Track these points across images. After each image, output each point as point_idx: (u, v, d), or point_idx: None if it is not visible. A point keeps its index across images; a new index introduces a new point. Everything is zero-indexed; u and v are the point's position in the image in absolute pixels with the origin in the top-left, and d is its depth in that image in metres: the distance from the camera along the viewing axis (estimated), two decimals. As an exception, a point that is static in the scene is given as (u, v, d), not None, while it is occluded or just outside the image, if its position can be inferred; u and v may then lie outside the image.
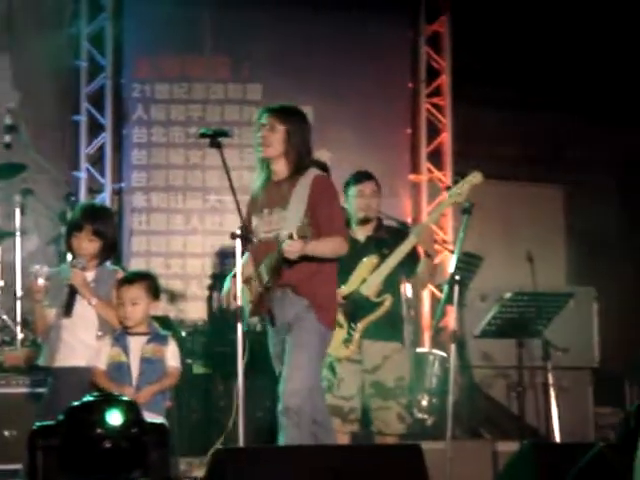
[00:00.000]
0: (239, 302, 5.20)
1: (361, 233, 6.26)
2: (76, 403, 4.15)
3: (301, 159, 5.41)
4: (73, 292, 5.30)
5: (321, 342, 5.33)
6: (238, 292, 5.22)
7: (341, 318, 5.95)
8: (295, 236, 5.08)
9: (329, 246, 5.32)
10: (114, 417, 4.06)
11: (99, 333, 5.34)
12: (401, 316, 6.29)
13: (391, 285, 6.15)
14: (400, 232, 6.35)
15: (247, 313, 5.42)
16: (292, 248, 5.13)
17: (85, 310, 5.34)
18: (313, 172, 5.42)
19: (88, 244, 5.38)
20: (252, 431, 6.12)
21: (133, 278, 5.44)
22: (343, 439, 6.00)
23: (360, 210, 6.23)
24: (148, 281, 5.44)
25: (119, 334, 5.36)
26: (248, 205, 5.59)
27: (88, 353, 5.31)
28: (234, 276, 5.39)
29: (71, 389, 5.21)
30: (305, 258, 5.22)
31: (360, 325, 6.02)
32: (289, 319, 5.31)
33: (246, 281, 5.36)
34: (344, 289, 5.99)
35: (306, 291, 5.30)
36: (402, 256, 6.08)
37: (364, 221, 6.26)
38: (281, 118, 5.40)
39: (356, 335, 6.03)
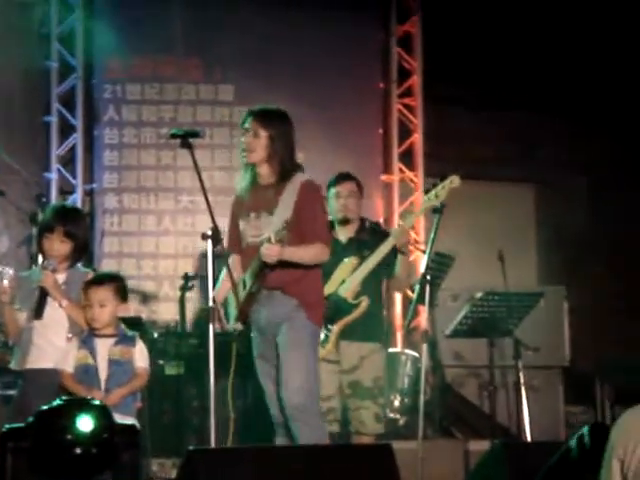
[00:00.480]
0: (211, 303, 5.21)
1: (343, 234, 6.28)
2: (46, 407, 4.13)
3: (285, 163, 5.43)
4: (44, 294, 5.29)
5: (313, 339, 5.39)
6: (210, 294, 5.22)
7: None
8: (273, 240, 5.11)
9: (309, 252, 5.35)
10: (84, 423, 4.04)
11: (69, 335, 5.33)
12: (380, 317, 6.33)
13: (370, 286, 6.17)
14: (382, 234, 6.38)
15: (233, 319, 5.43)
16: (269, 252, 5.16)
17: (55, 312, 5.33)
18: (300, 177, 5.44)
19: (60, 245, 5.37)
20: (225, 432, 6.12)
21: (101, 280, 5.41)
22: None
23: (338, 211, 6.27)
24: (116, 283, 5.41)
25: (86, 336, 5.33)
26: (233, 206, 5.61)
27: (58, 355, 5.30)
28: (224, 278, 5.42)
29: (41, 391, 5.21)
30: (288, 263, 5.25)
31: (336, 326, 6.05)
32: (278, 319, 5.33)
33: (233, 286, 5.36)
34: (324, 290, 6.01)
35: (295, 291, 5.34)
36: (381, 257, 6.11)
37: (344, 222, 6.30)
38: (264, 123, 5.42)
39: (332, 336, 6.05)
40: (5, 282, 5.28)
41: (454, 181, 6.19)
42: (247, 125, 5.44)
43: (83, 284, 5.37)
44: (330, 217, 6.19)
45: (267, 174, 5.45)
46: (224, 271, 5.43)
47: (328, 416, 6.06)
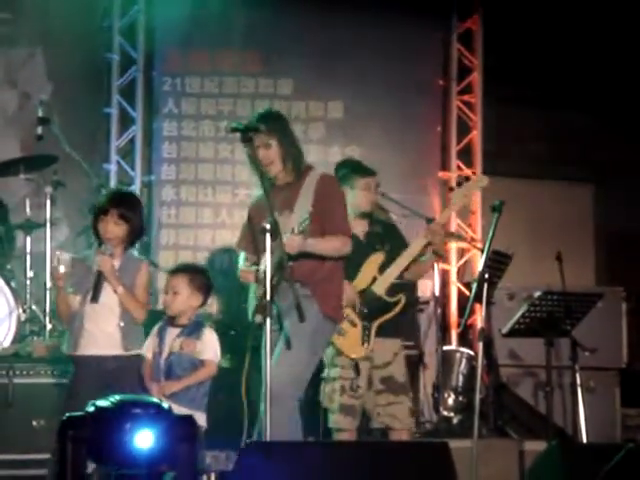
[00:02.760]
0: (268, 297, 5.21)
1: (359, 228, 6.21)
2: (105, 403, 4.13)
3: (297, 159, 5.50)
4: (101, 279, 5.34)
5: (317, 331, 5.38)
6: (268, 288, 5.21)
7: (355, 317, 5.97)
8: (296, 230, 5.18)
9: (331, 244, 5.40)
10: (143, 438, 4.04)
11: (121, 323, 5.38)
12: (410, 313, 6.32)
13: (402, 283, 6.16)
14: (392, 226, 6.36)
15: (252, 312, 5.46)
16: (292, 242, 5.20)
17: (109, 298, 5.38)
18: (318, 172, 5.52)
19: (114, 227, 5.42)
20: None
21: (177, 268, 5.60)
22: (353, 437, 6.05)
23: (367, 204, 6.19)
24: (192, 273, 5.54)
25: (162, 325, 5.45)
26: (249, 212, 5.72)
27: (109, 342, 5.37)
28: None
29: (92, 378, 5.30)
30: (307, 255, 5.29)
31: (375, 324, 6.03)
32: (287, 305, 5.30)
33: (257, 280, 5.41)
34: (356, 285, 5.99)
35: (307, 282, 5.37)
36: (413, 256, 6.07)
37: (364, 215, 6.24)
38: (268, 131, 5.43)
39: (372, 334, 6.04)
40: (62, 268, 5.33)
41: (483, 180, 6.21)
42: (258, 141, 5.43)
43: (138, 271, 5.46)
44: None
45: (283, 175, 5.51)
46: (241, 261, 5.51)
47: (358, 413, 6.04)
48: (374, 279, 6.06)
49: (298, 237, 5.19)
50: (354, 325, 5.96)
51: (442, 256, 6.33)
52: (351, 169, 6.24)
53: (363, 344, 5.99)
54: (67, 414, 4.05)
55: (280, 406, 5.10)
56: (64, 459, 3.88)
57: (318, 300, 5.38)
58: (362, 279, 6.05)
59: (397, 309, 6.07)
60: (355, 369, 6.00)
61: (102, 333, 5.38)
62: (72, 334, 5.42)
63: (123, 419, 3.98)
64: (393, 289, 6.08)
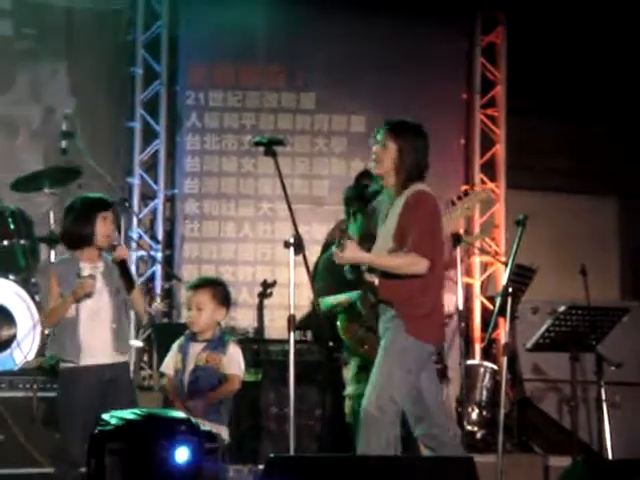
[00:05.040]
0: (292, 311, 5.20)
1: None
2: (134, 417, 4.13)
3: (410, 177, 5.38)
4: (125, 267, 5.41)
5: (404, 352, 5.26)
6: (291, 301, 5.20)
7: None
8: (345, 241, 5.19)
9: (394, 262, 5.30)
10: (180, 453, 4.05)
11: (113, 325, 5.38)
12: None
13: None
14: None
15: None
16: (335, 255, 5.23)
17: (103, 300, 5.39)
18: (415, 187, 5.38)
19: (112, 227, 5.47)
20: (302, 439, 6.12)
21: (199, 284, 5.55)
22: None
23: None
24: (215, 287, 5.52)
25: (185, 340, 5.44)
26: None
27: (105, 347, 5.37)
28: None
29: (91, 389, 5.31)
30: (387, 274, 5.28)
31: None
32: (383, 328, 5.35)
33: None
34: None
35: (393, 302, 5.31)
36: None
37: None
38: (393, 135, 5.40)
39: None
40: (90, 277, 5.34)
41: (482, 194, 6.12)
42: (378, 136, 5.44)
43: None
44: None
45: (393, 185, 5.43)
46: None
47: None
48: None
49: (338, 251, 5.20)
50: None
51: None
52: None
53: None
54: (99, 427, 4.07)
55: (372, 434, 5.14)
56: (101, 472, 3.88)
57: (406, 322, 5.27)
58: None
59: None
60: None
61: (98, 339, 5.37)
62: (69, 343, 5.36)
63: (160, 434, 3.99)
64: None
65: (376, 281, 5.32)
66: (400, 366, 5.25)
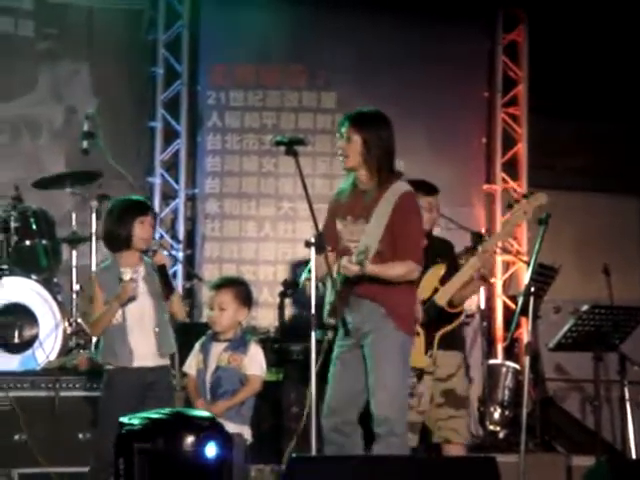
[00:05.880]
0: (313, 310, 5.19)
1: None
2: (160, 416, 4.14)
3: (382, 169, 5.32)
4: (165, 272, 5.42)
5: (403, 350, 5.31)
6: (312, 300, 5.20)
7: (418, 327, 5.90)
8: (354, 260, 5.12)
9: (396, 271, 5.27)
10: (208, 451, 4.06)
11: (156, 329, 5.39)
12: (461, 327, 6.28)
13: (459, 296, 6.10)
14: (445, 242, 6.29)
15: (326, 313, 5.40)
16: (347, 269, 5.16)
17: (146, 303, 5.40)
18: (401, 187, 5.35)
19: (151, 230, 5.47)
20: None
21: (221, 283, 5.56)
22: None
23: (427, 223, 6.10)
24: (236, 287, 5.53)
25: (206, 340, 5.44)
26: (331, 205, 5.54)
27: (148, 351, 5.38)
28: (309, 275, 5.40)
29: (132, 391, 5.31)
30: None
31: (438, 334, 5.97)
32: (366, 328, 5.28)
33: (322, 279, 5.33)
34: (418, 294, 5.94)
35: (383, 300, 5.27)
36: (465, 281, 5.98)
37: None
38: (357, 128, 5.32)
39: (435, 344, 5.98)
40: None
41: (540, 198, 5.96)
42: (343, 129, 5.38)
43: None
44: None
45: (366, 179, 5.36)
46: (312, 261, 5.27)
47: (410, 430, 5.97)
48: (435, 290, 6.01)
49: (354, 266, 5.12)
50: (417, 334, 5.87)
51: (488, 281, 6.25)
52: (415, 187, 6.18)
53: (426, 353, 5.93)
54: (126, 427, 4.07)
55: (392, 440, 5.12)
56: (130, 471, 3.89)
57: (395, 319, 5.27)
58: (424, 289, 5.98)
59: (458, 321, 6.03)
60: (418, 378, 5.94)
61: (143, 343, 5.38)
62: (120, 349, 5.38)
63: (187, 431, 3.99)
64: (454, 302, 6.04)
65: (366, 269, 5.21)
66: (403, 363, 5.29)
